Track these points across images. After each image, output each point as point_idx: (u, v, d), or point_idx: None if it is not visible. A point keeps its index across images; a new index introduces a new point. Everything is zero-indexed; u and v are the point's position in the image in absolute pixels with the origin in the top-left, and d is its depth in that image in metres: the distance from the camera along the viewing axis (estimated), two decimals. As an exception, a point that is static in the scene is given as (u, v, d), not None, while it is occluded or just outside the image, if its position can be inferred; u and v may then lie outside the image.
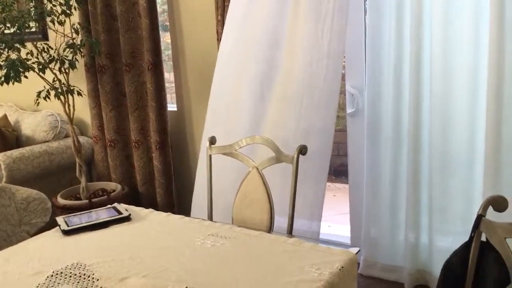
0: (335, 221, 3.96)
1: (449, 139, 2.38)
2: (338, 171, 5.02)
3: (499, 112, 2.17)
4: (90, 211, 1.98)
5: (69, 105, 3.14)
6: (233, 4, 2.70)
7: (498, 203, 1.35)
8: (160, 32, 3.27)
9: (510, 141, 2.19)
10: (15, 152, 3.31)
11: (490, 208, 1.39)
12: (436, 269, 2.53)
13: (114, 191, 3.32)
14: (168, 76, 3.89)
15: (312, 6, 2.46)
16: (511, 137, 2.18)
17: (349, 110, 2.77)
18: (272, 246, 1.62)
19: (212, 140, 2.25)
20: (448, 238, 2.49)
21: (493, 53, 2.13)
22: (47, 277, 1.47)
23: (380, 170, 2.63)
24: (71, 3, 3.04)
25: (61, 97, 3.09)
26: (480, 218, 1.37)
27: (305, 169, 2.16)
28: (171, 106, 3.49)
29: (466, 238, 2.19)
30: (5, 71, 2.90)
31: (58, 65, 3.07)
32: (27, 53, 3.04)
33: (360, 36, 2.68)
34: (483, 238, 1.40)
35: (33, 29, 3.36)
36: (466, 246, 1.42)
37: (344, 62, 2.73)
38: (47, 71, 3.05)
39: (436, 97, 2.35)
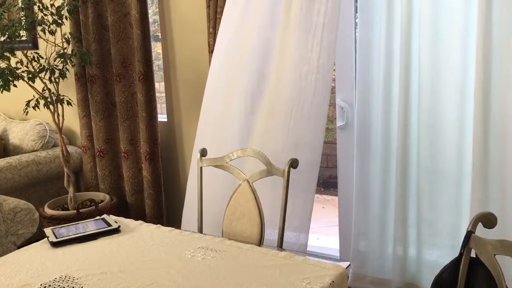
0: (324, 233, 3.97)
1: (437, 154, 2.40)
2: (327, 183, 5.04)
3: (486, 128, 2.20)
4: (79, 223, 1.97)
5: (58, 114, 3.12)
6: (225, 17, 2.72)
7: (487, 220, 1.36)
8: (151, 42, 3.28)
9: (497, 157, 2.22)
10: (2, 161, 3.28)
11: (479, 224, 1.41)
12: (424, 282, 2.55)
13: (102, 201, 3.30)
14: (158, 86, 3.89)
15: (303, 19, 2.48)
16: (498, 153, 2.21)
17: (339, 123, 2.79)
18: (263, 259, 1.62)
19: (203, 152, 2.25)
20: (436, 252, 2.51)
21: (480, 69, 2.16)
22: (35, 290, 1.46)
23: (369, 183, 2.65)
24: (62, 13, 3.04)
25: (51, 106, 3.07)
26: (469, 234, 1.38)
27: (293, 181, 2.17)
28: (161, 117, 3.49)
29: (454, 251, 2.21)
30: (-6, 79, 2.88)
31: (48, 74, 3.06)
32: (17, 62, 3.02)
33: (350, 50, 2.71)
34: (473, 254, 1.42)
35: (24, 38, 3.35)
36: (456, 262, 1.43)
37: (334, 75, 2.75)
38: (37, 80, 3.04)
39: (424, 112, 2.37)
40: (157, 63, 3.80)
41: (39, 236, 2.19)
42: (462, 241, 1.43)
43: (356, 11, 2.66)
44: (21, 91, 3.19)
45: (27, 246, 1.81)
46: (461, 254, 1.42)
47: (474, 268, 1.39)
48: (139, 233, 1.88)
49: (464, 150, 2.36)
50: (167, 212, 3.49)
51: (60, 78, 3.09)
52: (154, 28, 3.68)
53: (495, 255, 1.31)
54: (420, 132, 2.40)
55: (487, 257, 1.33)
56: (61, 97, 3.12)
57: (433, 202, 2.45)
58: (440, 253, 2.49)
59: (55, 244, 1.79)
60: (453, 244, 2.44)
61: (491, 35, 2.14)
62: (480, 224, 1.41)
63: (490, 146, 2.22)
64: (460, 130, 2.36)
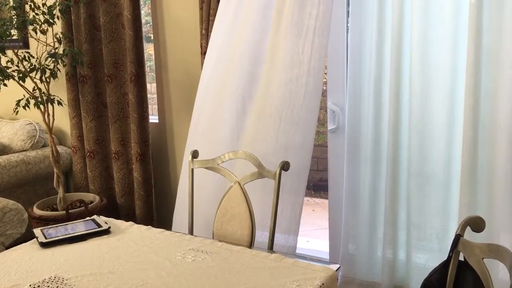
0: (314, 236, 3.98)
1: (427, 158, 2.43)
2: (318, 186, 5.06)
3: (475, 133, 2.22)
4: (68, 224, 1.96)
5: (48, 114, 3.10)
6: (218, 19, 2.72)
7: (476, 224, 1.38)
8: (143, 43, 3.27)
9: (485, 162, 2.24)
10: (-9, 161, 3.25)
11: (467, 228, 1.42)
12: (413, 285, 2.57)
13: (92, 202, 3.28)
14: (150, 87, 3.88)
15: (294, 23, 2.49)
16: (486, 158, 2.24)
17: (330, 126, 2.80)
18: (253, 261, 1.62)
19: (195, 154, 2.25)
20: (424, 255, 2.53)
21: (471, 75, 2.19)
22: (24, 291, 1.45)
23: (359, 187, 2.66)
24: (54, 12, 3.02)
25: (41, 106, 3.05)
26: (458, 238, 1.40)
27: (283, 184, 2.18)
28: (153, 118, 3.48)
29: (442, 255, 2.22)
30: (-16, 78, 2.86)
31: (39, 74, 3.04)
32: (8, 61, 3.00)
33: (342, 54, 2.72)
34: (461, 258, 1.43)
35: (15, 37, 3.33)
36: (445, 265, 1.44)
37: (326, 79, 2.77)
38: (27, 79, 3.02)
39: (414, 116, 2.39)
40: (149, 64, 3.79)
41: (27, 236, 2.18)
42: (450, 244, 1.44)
43: (348, 16, 2.67)
44: (11, 90, 3.17)
45: (16, 247, 1.80)
46: (449, 257, 1.43)
47: (462, 271, 1.41)
48: (130, 234, 1.87)
49: (454, 154, 2.38)
50: (157, 213, 3.48)
51: (51, 78, 3.08)
52: (146, 29, 3.68)
53: (483, 258, 1.33)
54: (410, 136, 2.42)
55: (475, 261, 1.35)
56: (52, 97, 3.10)
57: (422, 206, 2.48)
58: (429, 257, 2.51)
59: (44, 245, 1.78)
60: (441, 248, 2.47)
61: (481, 41, 2.17)
62: (468, 228, 1.42)
63: (479, 150, 2.24)
64: (449, 135, 2.38)
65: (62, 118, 3.67)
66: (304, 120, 2.54)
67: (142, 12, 3.30)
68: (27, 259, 1.68)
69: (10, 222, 2.62)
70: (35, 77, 3.05)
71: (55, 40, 3.11)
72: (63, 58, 3.12)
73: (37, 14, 3.00)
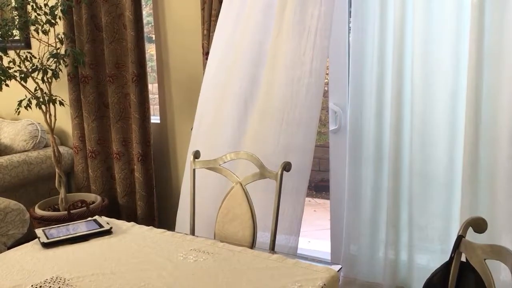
0: (316, 236, 3.98)
1: (429, 160, 2.42)
2: (319, 187, 5.05)
3: (477, 134, 2.22)
4: (70, 224, 1.96)
5: (50, 114, 3.11)
6: (221, 20, 2.72)
7: (478, 225, 1.38)
8: (145, 43, 3.27)
9: (487, 163, 2.24)
10: (-7, 161, 3.26)
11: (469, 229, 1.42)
12: (415, 286, 2.56)
13: (93, 202, 3.28)
14: (151, 87, 3.88)
15: (296, 23, 2.49)
16: (488, 159, 2.24)
17: (332, 127, 2.80)
18: (255, 262, 1.62)
19: (196, 155, 2.25)
20: (426, 256, 2.53)
21: (472, 75, 2.19)
22: (26, 291, 1.45)
23: (361, 187, 2.66)
24: (56, 12, 3.03)
25: (43, 106, 3.06)
26: (460, 238, 1.40)
27: (284, 184, 2.17)
28: (154, 118, 3.48)
29: (444, 256, 2.22)
30: (-14, 79, 2.86)
31: (40, 74, 3.04)
32: (9, 62, 3.01)
33: (344, 55, 2.72)
34: (463, 259, 1.43)
35: (17, 37, 3.33)
36: (447, 265, 1.44)
37: (327, 79, 2.77)
38: (29, 80, 3.02)
39: (416, 118, 2.39)
40: (151, 64, 3.80)
41: (29, 236, 2.18)
42: (452, 245, 1.44)
43: (350, 16, 2.67)
44: (13, 90, 3.17)
45: (18, 247, 1.80)
46: (451, 258, 1.43)
47: (464, 272, 1.40)
48: (131, 235, 1.87)
49: (455, 155, 2.38)
50: (159, 213, 3.48)
51: (53, 78, 3.08)
52: (147, 29, 3.68)
53: (485, 259, 1.33)
54: (412, 137, 2.42)
55: (477, 262, 1.34)
56: (54, 97, 3.11)
57: (424, 207, 2.47)
58: (431, 258, 2.51)
59: (46, 245, 1.78)
60: (442, 249, 2.46)
61: (483, 42, 2.16)
62: (470, 229, 1.42)
63: (480, 151, 2.24)
64: (451, 135, 2.38)
65: (64, 119, 3.68)
66: (306, 121, 2.54)
67: (144, 12, 3.30)
68: (28, 259, 1.68)
69: (12, 222, 2.63)
70: (37, 78, 3.06)
71: (57, 40, 3.11)
72: (64, 59, 3.13)
73: (39, 14, 3.00)
